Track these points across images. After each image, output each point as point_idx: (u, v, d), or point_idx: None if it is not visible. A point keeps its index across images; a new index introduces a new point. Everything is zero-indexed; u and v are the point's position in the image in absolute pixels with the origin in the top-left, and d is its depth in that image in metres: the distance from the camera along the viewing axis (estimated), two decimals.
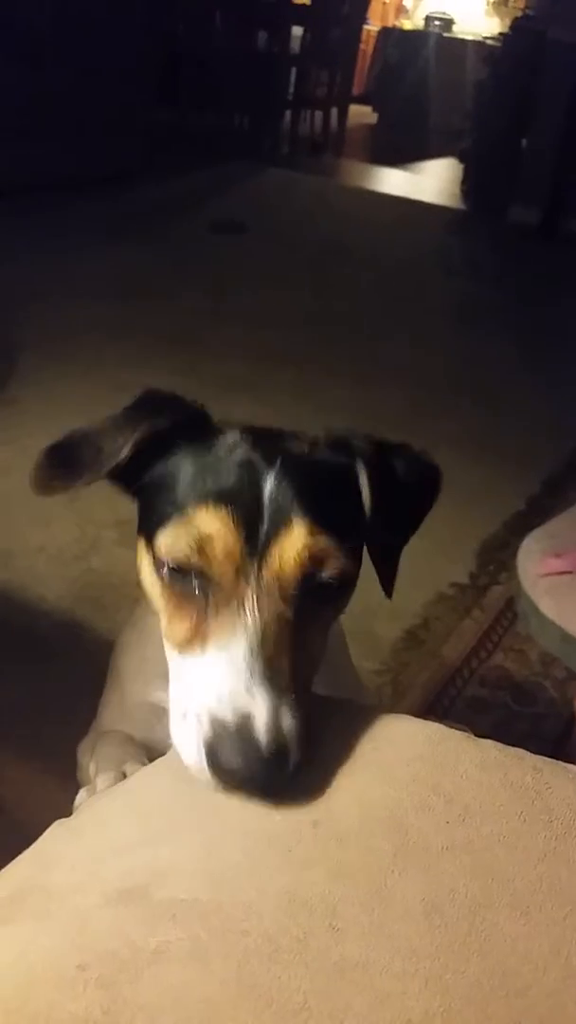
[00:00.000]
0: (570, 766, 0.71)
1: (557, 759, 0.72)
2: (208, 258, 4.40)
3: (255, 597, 0.61)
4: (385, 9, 10.73)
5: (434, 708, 1.79)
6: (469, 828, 0.62)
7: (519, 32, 6.28)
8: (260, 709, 0.58)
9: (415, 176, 7.77)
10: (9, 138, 4.35)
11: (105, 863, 0.60)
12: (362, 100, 9.81)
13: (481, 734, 0.74)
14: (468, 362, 3.76)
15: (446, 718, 0.80)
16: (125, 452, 0.66)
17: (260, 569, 0.62)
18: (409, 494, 0.73)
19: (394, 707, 1.73)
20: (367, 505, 0.68)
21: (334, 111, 7.95)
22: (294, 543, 0.62)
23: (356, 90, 9.30)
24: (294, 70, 7.32)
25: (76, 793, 0.85)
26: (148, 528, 0.68)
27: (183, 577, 0.64)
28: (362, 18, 8.54)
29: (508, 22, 7.36)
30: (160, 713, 0.75)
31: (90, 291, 3.69)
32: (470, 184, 6.71)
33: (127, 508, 0.75)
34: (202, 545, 0.62)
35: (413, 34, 9.58)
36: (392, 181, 7.38)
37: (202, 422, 0.72)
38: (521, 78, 5.93)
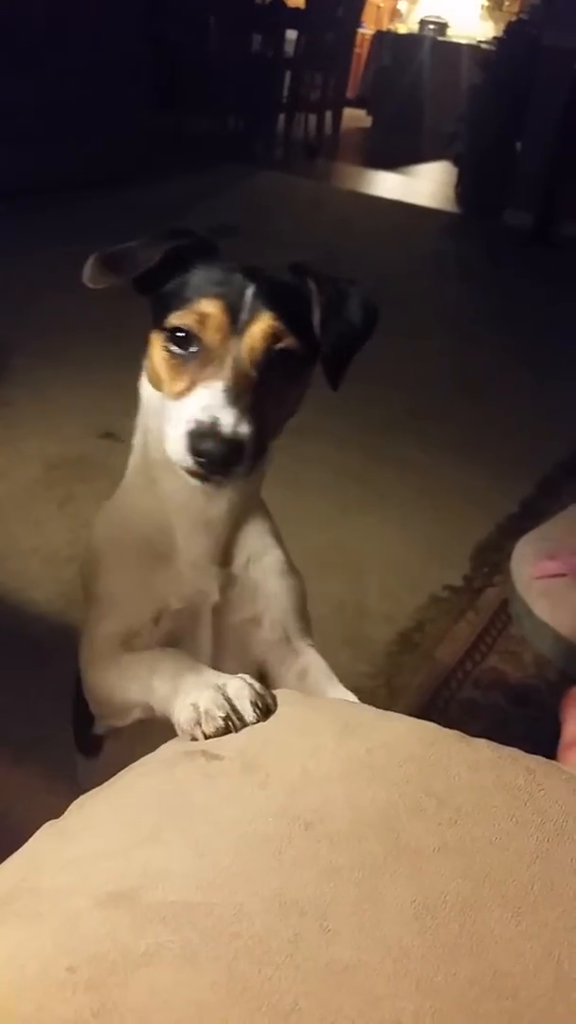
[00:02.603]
0: (564, 767, 0.71)
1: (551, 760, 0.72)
2: None
3: (232, 358, 0.89)
4: (379, 13, 10.78)
5: (428, 711, 1.79)
6: (461, 830, 0.62)
7: (513, 36, 6.31)
8: (227, 416, 0.84)
9: (409, 179, 7.79)
10: (6, 141, 4.34)
11: (95, 865, 0.60)
12: (356, 103, 9.85)
13: (475, 736, 0.74)
14: (461, 365, 3.77)
15: (440, 721, 0.80)
16: (156, 259, 0.93)
17: (238, 343, 0.90)
18: (350, 317, 0.98)
19: (388, 710, 1.73)
20: (316, 316, 0.95)
21: (328, 114, 7.98)
22: (261, 325, 0.90)
23: (350, 93, 9.34)
24: (288, 73, 7.34)
25: (68, 797, 0.85)
26: (162, 317, 0.93)
27: (183, 344, 0.91)
28: (356, 22, 8.58)
29: (502, 26, 7.40)
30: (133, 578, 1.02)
31: (84, 293, 3.67)
32: (464, 188, 6.72)
33: None
34: (203, 319, 0.90)
35: (407, 38, 9.61)
36: (386, 184, 7.39)
37: (211, 249, 0.98)
38: (515, 82, 5.95)
